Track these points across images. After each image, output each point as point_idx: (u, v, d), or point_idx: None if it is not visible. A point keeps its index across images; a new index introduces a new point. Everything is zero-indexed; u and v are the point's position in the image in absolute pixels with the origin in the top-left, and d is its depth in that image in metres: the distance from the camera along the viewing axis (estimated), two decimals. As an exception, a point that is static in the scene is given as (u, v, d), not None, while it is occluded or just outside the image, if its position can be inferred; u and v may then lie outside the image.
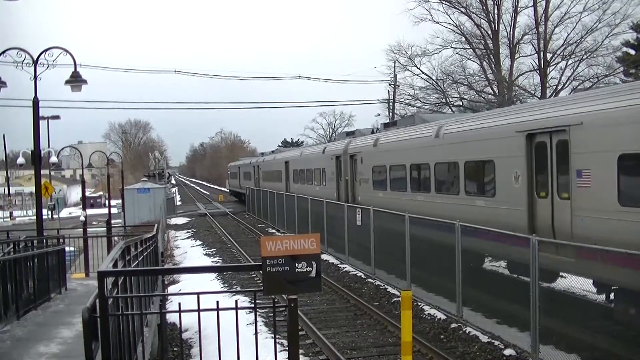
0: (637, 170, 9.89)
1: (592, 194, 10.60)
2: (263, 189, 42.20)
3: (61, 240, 17.69)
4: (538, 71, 38.36)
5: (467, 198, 15.04)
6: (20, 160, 33.62)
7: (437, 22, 40.85)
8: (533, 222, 12.31)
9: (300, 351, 10.78)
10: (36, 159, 15.87)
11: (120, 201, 43.85)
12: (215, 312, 5.00)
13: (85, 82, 16.11)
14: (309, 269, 4.89)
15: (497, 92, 39.46)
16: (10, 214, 58.75)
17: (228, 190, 77.61)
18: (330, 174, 27.12)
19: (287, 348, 6.15)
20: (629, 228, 9.55)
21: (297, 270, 4.87)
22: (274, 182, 42.04)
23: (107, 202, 44.19)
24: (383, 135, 21.93)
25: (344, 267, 20.37)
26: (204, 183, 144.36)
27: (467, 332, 12.05)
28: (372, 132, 25.17)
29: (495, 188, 13.81)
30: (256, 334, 5.42)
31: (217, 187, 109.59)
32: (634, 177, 9.97)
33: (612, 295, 11.00)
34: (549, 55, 38.21)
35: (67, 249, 16.34)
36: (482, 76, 41.23)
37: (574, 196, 11.02)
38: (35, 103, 15.53)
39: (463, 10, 40.07)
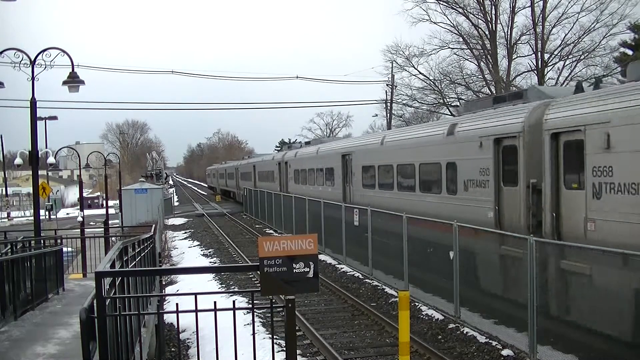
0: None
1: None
2: (222, 187, 73.07)
3: (59, 240, 17.72)
4: (535, 71, 38.42)
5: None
6: (18, 160, 33.57)
7: (435, 23, 40.95)
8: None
9: (298, 351, 10.76)
10: (34, 160, 15.86)
11: (117, 202, 43.86)
12: (213, 313, 4.99)
13: (82, 82, 16.08)
14: (306, 269, 4.88)
15: (494, 92, 39.50)
16: (8, 214, 58.73)
17: (206, 185, 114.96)
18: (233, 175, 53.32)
19: (284, 348, 6.15)
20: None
21: (294, 270, 4.85)
22: (221, 180, 73.13)
23: (104, 202, 44.15)
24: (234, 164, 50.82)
25: (341, 268, 20.35)
26: (202, 183, 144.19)
27: (464, 332, 12.04)
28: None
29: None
30: (254, 334, 5.44)
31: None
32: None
33: None
34: (546, 56, 38.31)
35: (64, 249, 16.35)
36: (480, 76, 41.33)
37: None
38: (33, 104, 15.51)
39: (460, 10, 40.13)
